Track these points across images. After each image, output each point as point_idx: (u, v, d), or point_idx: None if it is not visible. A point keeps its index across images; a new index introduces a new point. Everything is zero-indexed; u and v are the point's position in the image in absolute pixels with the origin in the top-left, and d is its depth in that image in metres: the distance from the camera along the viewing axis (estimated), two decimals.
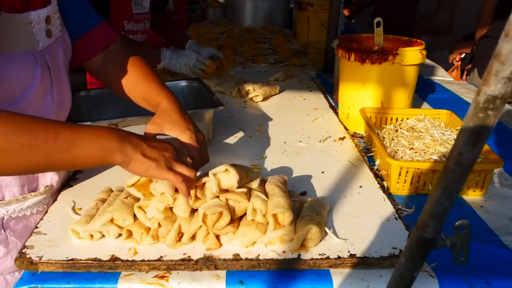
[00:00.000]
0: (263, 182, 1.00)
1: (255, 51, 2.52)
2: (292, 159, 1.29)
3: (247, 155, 1.30)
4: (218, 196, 0.90)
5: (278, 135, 1.45)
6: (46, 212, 1.01)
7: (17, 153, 0.62)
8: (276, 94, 1.91)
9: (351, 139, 1.43)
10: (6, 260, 0.98)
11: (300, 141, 1.41)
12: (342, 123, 1.56)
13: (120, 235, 0.92)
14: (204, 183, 0.94)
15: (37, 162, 0.66)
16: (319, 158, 1.30)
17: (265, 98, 1.85)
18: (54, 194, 1.05)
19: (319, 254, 0.87)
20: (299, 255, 0.87)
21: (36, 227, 0.95)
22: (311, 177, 1.19)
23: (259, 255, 0.87)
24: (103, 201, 1.00)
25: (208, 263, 0.85)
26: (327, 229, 0.93)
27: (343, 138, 1.44)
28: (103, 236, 0.93)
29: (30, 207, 0.99)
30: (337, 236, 0.92)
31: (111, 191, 1.06)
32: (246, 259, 0.86)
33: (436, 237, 0.57)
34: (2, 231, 0.97)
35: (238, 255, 0.87)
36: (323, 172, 1.22)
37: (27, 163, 0.65)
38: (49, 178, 1.03)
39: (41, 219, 1.01)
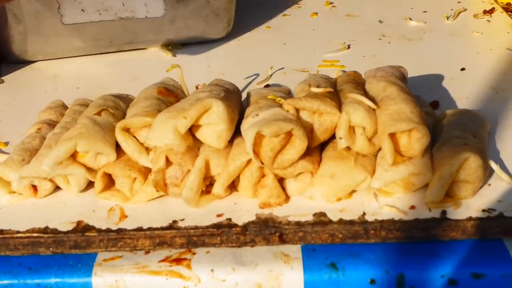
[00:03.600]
0: (358, 79, 0.98)
1: None
2: (399, 50, 1.28)
3: (311, 44, 1.30)
4: (280, 105, 0.87)
5: (367, 10, 1.45)
6: None
7: None
8: None
9: (506, 13, 1.41)
10: None
11: (410, 19, 1.40)
12: None
13: (90, 184, 0.89)
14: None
15: None
16: (451, 47, 1.29)
17: None
18: None
19: (483, 211, 0.81)
20: (444, 212, 0.81)
21: None
22: (441, 79, 1.17)
23: (364, 214, 0.82)
24: (51, 124, 0.98)
25: (266, 231, 0.81)
26: (492, 163, 0.87)
27: (490, 12, 1.40)
28: (57, 188, 0.90)
29: None
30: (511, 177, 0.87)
31: (65, 107, 1.04)
32: (341, 221, 0.81)
33: None
34: None
35: (323, 214, 0.82)
36: (463, 70, 1.20)
37: None
38: None
39: None
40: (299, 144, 0.83)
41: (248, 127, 0.84)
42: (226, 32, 1.33)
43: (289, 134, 0.83)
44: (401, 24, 1.39)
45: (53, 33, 1.21)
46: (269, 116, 0.85)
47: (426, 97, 1.08)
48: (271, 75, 1.18)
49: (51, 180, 0.88)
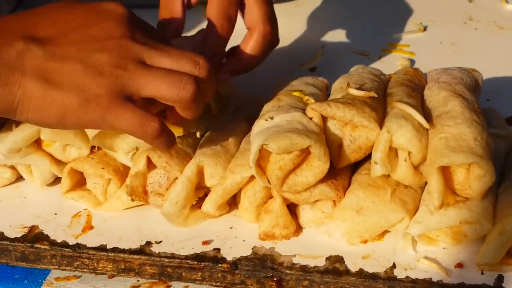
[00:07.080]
0: (418, 81, 0.89)
1: None
2: (485, 40, 1.22)
3: (380, 20, 1.25)
4: (303, 108, 0.79)
5: None
6: None
7: None
8: None
9: None
10: None
11: (507, 1, 1.34)
12: None
13: (57, 179, 0.86)
14: None
15: None
16: None
17: None
18: None
19: None
20: (500, 278, 0.74)
21: None
22: None
23: (393, 266, 0.75)
24: None
25: (261, 273, 0.75)
26: None
27: None
28: (19, 177, 0.87)
29: None
30: None
31: None
32: (361, 273, 0.75)
33: None
34: None
35: (340, 260, 0.76)
36: None
37: None
38: None
39: None
40: (318, 165, 0.75)
41: (255, 134, 0.77)
42: None
43: (306, 151, 0.76)
44: (495, 6, 1.32)
45: None
46: (285, 123, 0.76)
47: (507, 107, 1.01)
48: (320, 56, 1.11)
49: (13, 167, 0.85)
